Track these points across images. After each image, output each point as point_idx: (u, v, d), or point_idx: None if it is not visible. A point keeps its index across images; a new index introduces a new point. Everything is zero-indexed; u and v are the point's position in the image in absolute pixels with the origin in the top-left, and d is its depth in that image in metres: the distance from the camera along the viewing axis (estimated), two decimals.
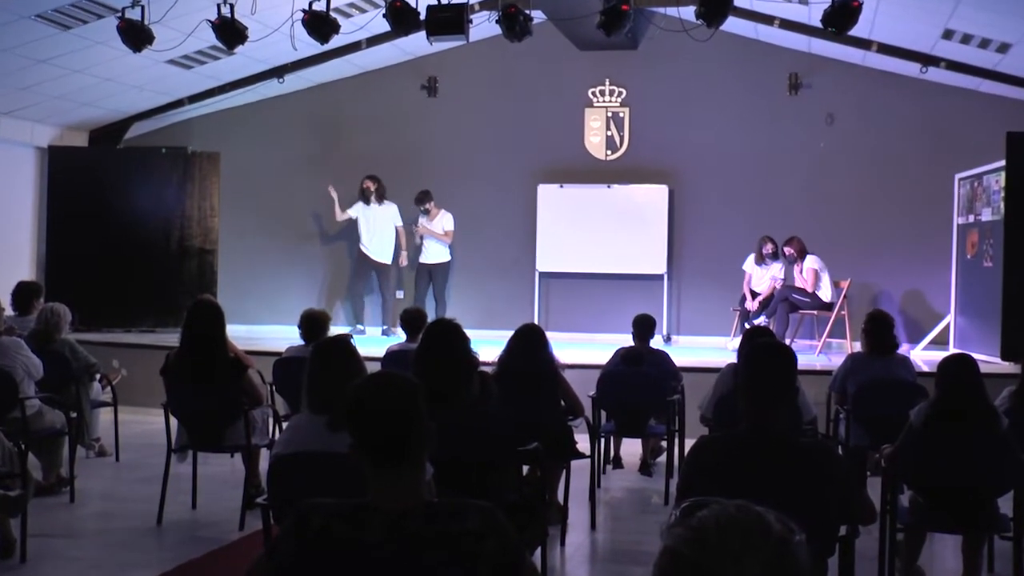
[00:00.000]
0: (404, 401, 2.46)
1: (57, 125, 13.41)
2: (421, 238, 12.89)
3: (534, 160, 13.32)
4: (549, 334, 6.68)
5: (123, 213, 13.17)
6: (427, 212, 12.86)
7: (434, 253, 12.92)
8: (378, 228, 13.02)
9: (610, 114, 13.35)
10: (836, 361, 8.84)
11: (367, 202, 13.02)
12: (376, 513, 2.36)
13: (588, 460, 6.75)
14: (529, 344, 6.34)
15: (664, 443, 7.90)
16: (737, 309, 12.08)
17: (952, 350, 10.59)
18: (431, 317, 12.30)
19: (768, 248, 11.81)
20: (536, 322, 12.13)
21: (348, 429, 2.45)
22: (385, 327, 12.96)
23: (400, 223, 13.09)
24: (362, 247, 13.07)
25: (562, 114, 13.39)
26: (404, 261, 13.11)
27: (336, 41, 10.55)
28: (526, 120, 13.43)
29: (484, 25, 11.23)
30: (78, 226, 13.08)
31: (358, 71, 13.68)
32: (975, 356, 5.33)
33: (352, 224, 13.24)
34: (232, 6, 9.93)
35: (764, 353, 3.60)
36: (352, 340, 4.43)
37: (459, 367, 4.47)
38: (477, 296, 13.32)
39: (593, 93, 13.38)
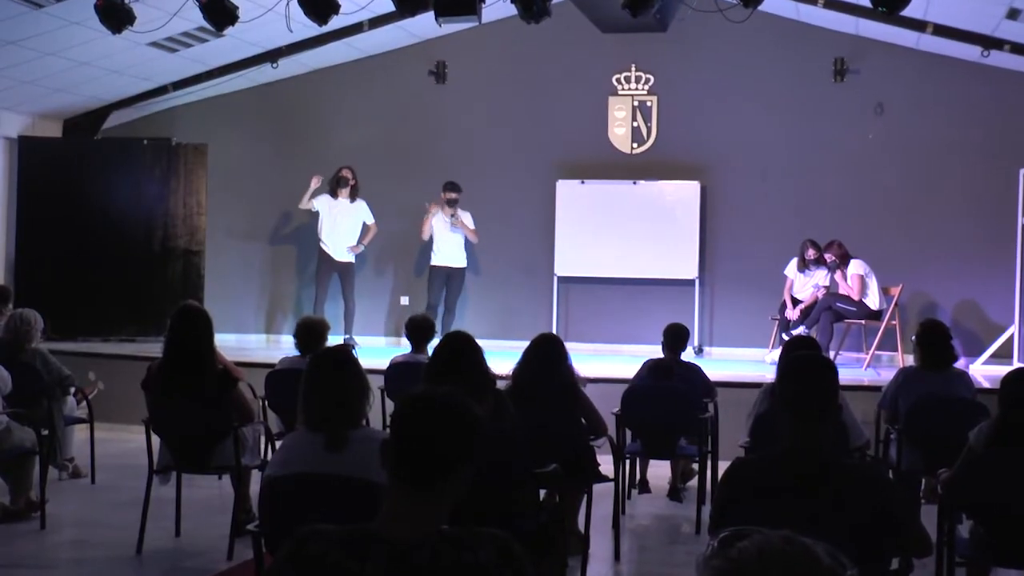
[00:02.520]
0: (464, 428, 2.47)
1: (28, 113, 13.47)
2: (434, 232, 12.69)
3: (553, 154, 13.32)
4: (569, 345, 6.67)
5: (100, 210, 13.21)
6: (455, 203, 12.62)
7: (453, 255, 12.69)
8: (342, 224, 12.81)
9: (636, 103, 13.34)
10: (886, 376, 8.80)
11: (335, 195, 12.81)
12: (381, 542, 2.36)
13: (611, 484, 6.73)
14: (546, 356, 6.33)
15: (696, 466, 7.87)
16: (776, 318, 12.05)
17: (1016, 364, 10.53)
18: (438, 327, 12.31)
19: (811, 253, 11.77)
20: (554, 332, 12.14)
21: (390, 436, 2.48)
22: (347, 336, 12.64)
23: (371, 221, 12.93)
24: (322, 245, 12.84)
25: (583, 103, 13.38)
26: (359, 249, 12.93)
27: (335, 22, 10.56)
28: (544, 110, 13.43)
29: (498, 5, 11.22)
30: (51, 224, 13.13)
31: (360, 55, 13.70)
32: None
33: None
34: None
35: (802, 366, 3.60)
36: (355, 350, 4.43)
37: (474, 384, 4.48)
38: (490, 303, 13.32)
39: (618, 80, 13.37)
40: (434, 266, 12.75)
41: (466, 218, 12.72)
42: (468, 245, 12.88)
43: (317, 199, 12.82)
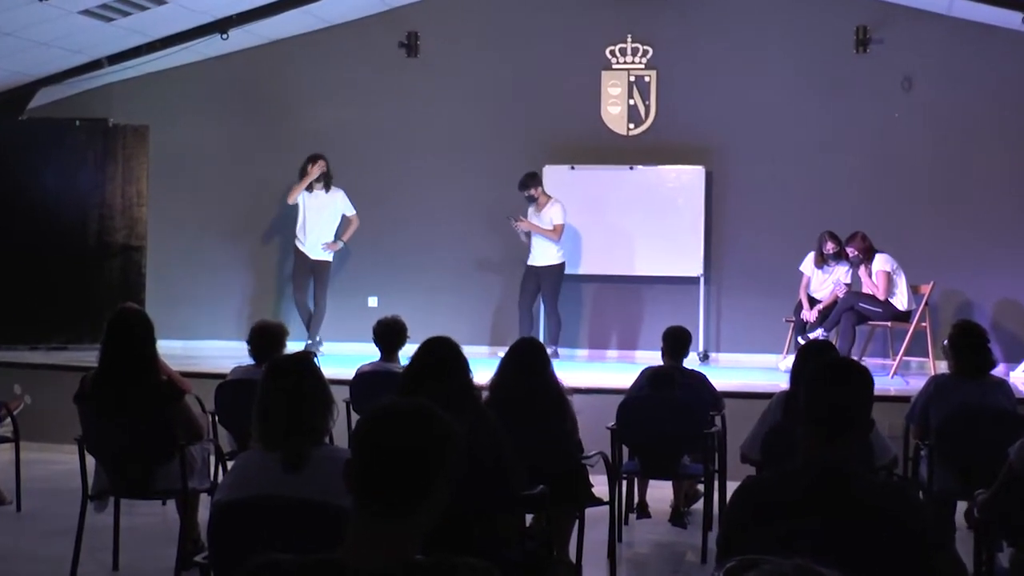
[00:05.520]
0: (436, 443, 2.47)
1: None
2: (528, 235, 12.66)
3: (539, 136, 13.31)
4: (559, 350, 6.67)
5: (26, 201, 13.12)
6: (534, 200, 12.63)
7: (542, 253, 12.64)
8: (321, 220, 12.90)
9: (633, 78, 13.35)
10: (915, 385, 8.83)
11: (308, 188, 12.86)
12: (347, 572, 2.36)
13: (606, 507, 6.74)
14: (527, 365, 6.34)
15: (701, 486, 7.89)
16: (791, 320, 12.07)
17: None
18: (541, 331, 12.29)
19: (830, 247, 11.78)
20: (543, 336, 12.15)
21: (352, 455, 2.47)
22: (312, 340, 12.75)
23: (352, 212, 12.99)
24: (297, 243, 12.92)
25: (573, 79, 13.38)
26: (337, 246, 12.98)
27: None
28: (529, 86, 13.43)
29: None
30: None
31: (321, 25, 13.68)
32: None
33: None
34: None
35: (834, 372, 3.61)
36: (316, 358, 4.42)
37: (455, 398, 4.48)
38: (468, 305, 13.30)
39: (612, 52, 13.38)
40: (528, 266, 12.77)
41: (554, 211, 12.57)
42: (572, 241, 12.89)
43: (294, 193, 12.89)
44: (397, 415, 2.49)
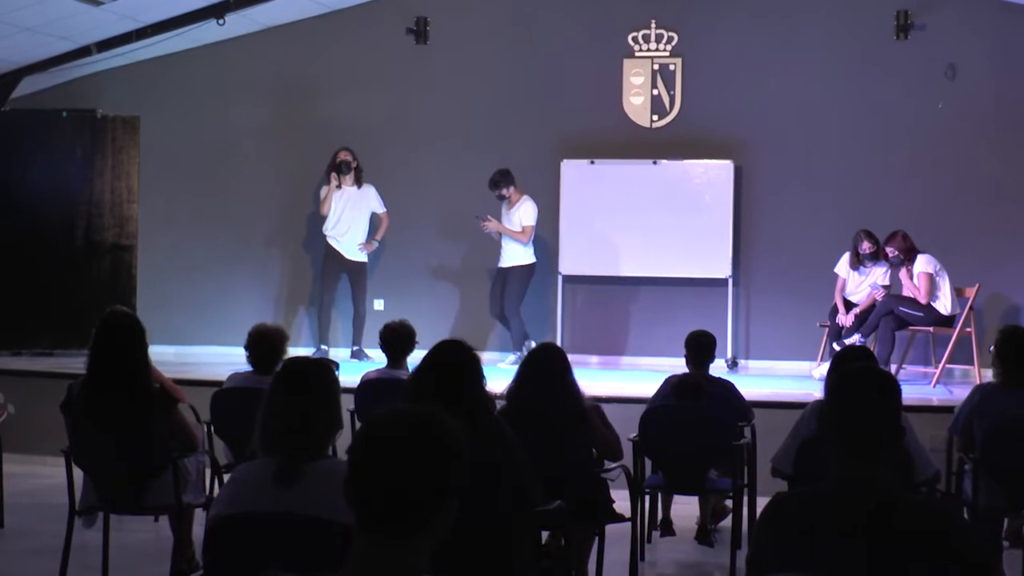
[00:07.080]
0: (441, 453, 2.44)
1: None
2: (500, 235, 12.70)
3: (556, 128, 13.32)
4: (576, 358, 6.68)
5: (9, 197, 13.14)
6: (506, 199, 12.70)
7: (511, 254, 12.69)
8: (353, 217, 13.02)
9: (657, 67, 13.35)
10: (959, 394, 8.81)
11: (337, 184, 13.00)
12: None
13: (628, 524, 6.74)
14: (547, 371, 6.34)
15: (729, 502, 7.90)
16: (826, 325, 12.05)
17: None
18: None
19: (866, 247, 11.75)
20: (559, 341, 12.16)
21: (349, 469, 2.46)
22: (356, 347, 12.95)
23: (383, 210, 13.11)
24: (331, 240, 13.06)
25: (593, 67, 13.39)
26: (372, 246, 13.13)
27: None
28: (546, 75, 13.42)
29: None
30: None
31: (323, 10, 13.70)
32: None
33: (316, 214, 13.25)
34: None
35: (856, 382, 3.60)
36: (337, 368, 4.38)
37: (468, 409, 4.48)
38: (481, 308, 13.30)
39: (635, 39, 13.38)
40: (498, 268, 12.86)
41: (524, 210, 12.64)
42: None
43: (324, 192, 13.06)
44: (397, 424, 2.46)
